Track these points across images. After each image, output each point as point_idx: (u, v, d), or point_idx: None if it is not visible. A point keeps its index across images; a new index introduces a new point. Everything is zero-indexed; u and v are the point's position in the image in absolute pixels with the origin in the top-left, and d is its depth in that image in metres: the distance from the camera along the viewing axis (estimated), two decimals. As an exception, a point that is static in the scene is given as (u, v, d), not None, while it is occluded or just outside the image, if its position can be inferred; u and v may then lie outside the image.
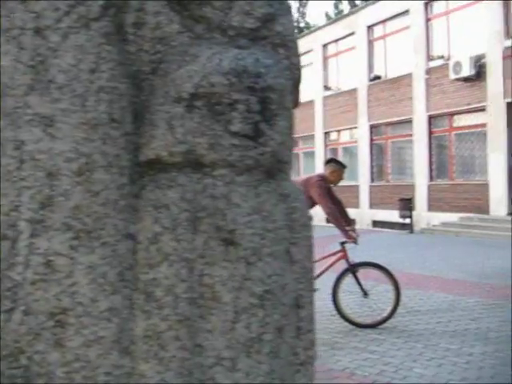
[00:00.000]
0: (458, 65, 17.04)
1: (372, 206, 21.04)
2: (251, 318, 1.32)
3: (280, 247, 1.39)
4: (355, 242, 6.10)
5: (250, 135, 1.28)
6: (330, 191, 6.32)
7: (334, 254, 6.27)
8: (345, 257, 6.15)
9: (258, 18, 1.40)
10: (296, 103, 1.58)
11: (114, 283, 1.25)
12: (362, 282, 6.18)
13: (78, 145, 1.21)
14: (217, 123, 1.27)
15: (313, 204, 6.22)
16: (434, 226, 17.77)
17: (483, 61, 16.73)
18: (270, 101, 1.31)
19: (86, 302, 1.22)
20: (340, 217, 6.13)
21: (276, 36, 1.44)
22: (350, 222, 6.42)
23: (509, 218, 15.84)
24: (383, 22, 20.81)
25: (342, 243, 6.14)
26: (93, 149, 1.23)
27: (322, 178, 6.18)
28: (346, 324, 6.07)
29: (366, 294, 6.20)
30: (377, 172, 21.43)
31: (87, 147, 1.22)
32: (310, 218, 1.54)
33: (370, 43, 21.48)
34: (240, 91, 1.27)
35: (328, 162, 6.46)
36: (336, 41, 23.43)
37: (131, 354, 1.27)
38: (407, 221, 18.13)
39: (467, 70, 16.71)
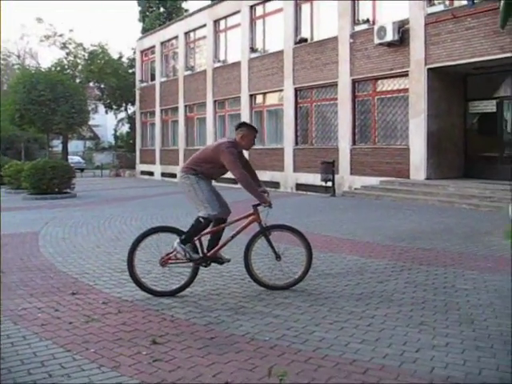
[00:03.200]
0: (382, 29, 17.12)
1: (296, 169, 21.12)
2: None
3: None
4: (270, 205, 6.01)
5: None
6: (241, 156, 6.21)
7: (247, 216, 6.15)
8: (257, 219, 6.07)
9: None
10: None
11: None
12: (275, 244, 6.11)
13: None
14: None
15: (225, 170, 6.11)
16: (355, 189, 18.02)
17: (407, 26, 16.86)
18: None
19: None
20: (252, 182, 6.00)
21: None
22: (261, 185, 6.30)
23: (426, 182, 16.26)
24: (310, -17, 20.62)
25: (255, 206, 6.07)
26: None
27: (232, 143, 6.01)
28: (255, 288, 6.02)
29: (278, 256, 6.12)
30: (301, 135, 21.46)
31: None
32: None
33: (297, 5, 21.25)
34: None
35: (239, 126, 6.24)
36: (263, 2, 23.06)
37: None
38: (329, 184, 18.31)
39: (391, 35, 16.82)
